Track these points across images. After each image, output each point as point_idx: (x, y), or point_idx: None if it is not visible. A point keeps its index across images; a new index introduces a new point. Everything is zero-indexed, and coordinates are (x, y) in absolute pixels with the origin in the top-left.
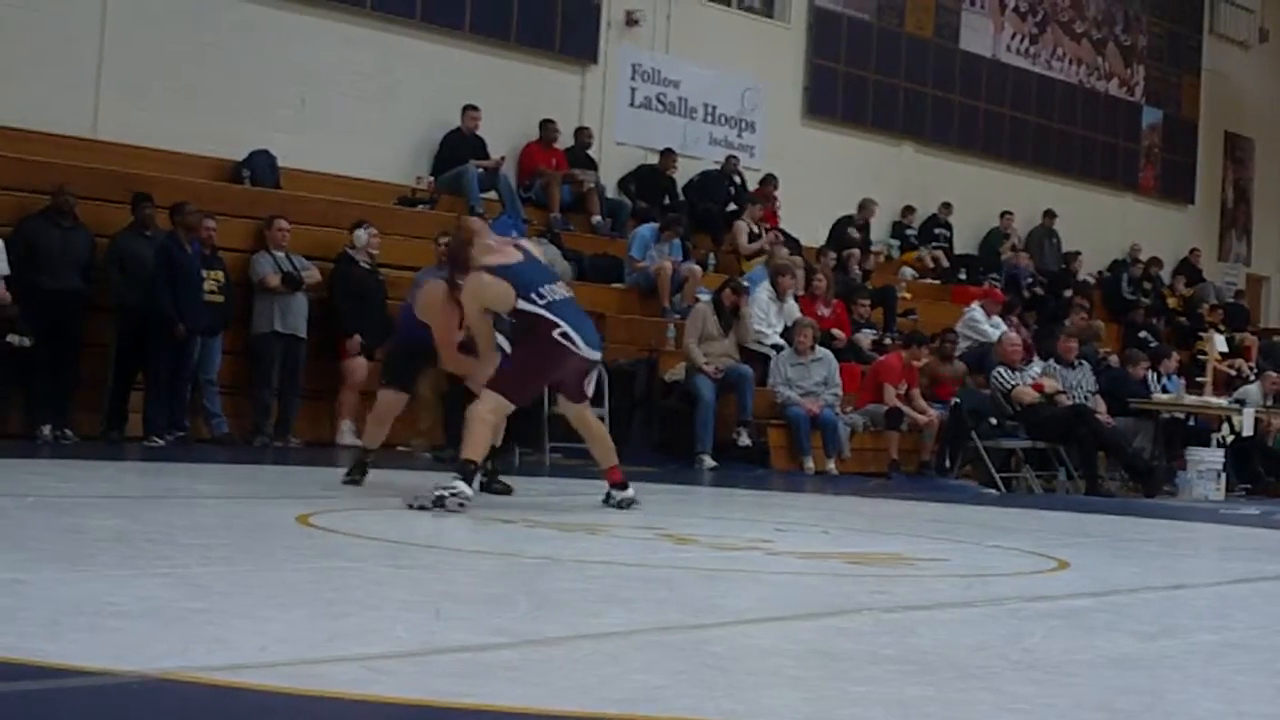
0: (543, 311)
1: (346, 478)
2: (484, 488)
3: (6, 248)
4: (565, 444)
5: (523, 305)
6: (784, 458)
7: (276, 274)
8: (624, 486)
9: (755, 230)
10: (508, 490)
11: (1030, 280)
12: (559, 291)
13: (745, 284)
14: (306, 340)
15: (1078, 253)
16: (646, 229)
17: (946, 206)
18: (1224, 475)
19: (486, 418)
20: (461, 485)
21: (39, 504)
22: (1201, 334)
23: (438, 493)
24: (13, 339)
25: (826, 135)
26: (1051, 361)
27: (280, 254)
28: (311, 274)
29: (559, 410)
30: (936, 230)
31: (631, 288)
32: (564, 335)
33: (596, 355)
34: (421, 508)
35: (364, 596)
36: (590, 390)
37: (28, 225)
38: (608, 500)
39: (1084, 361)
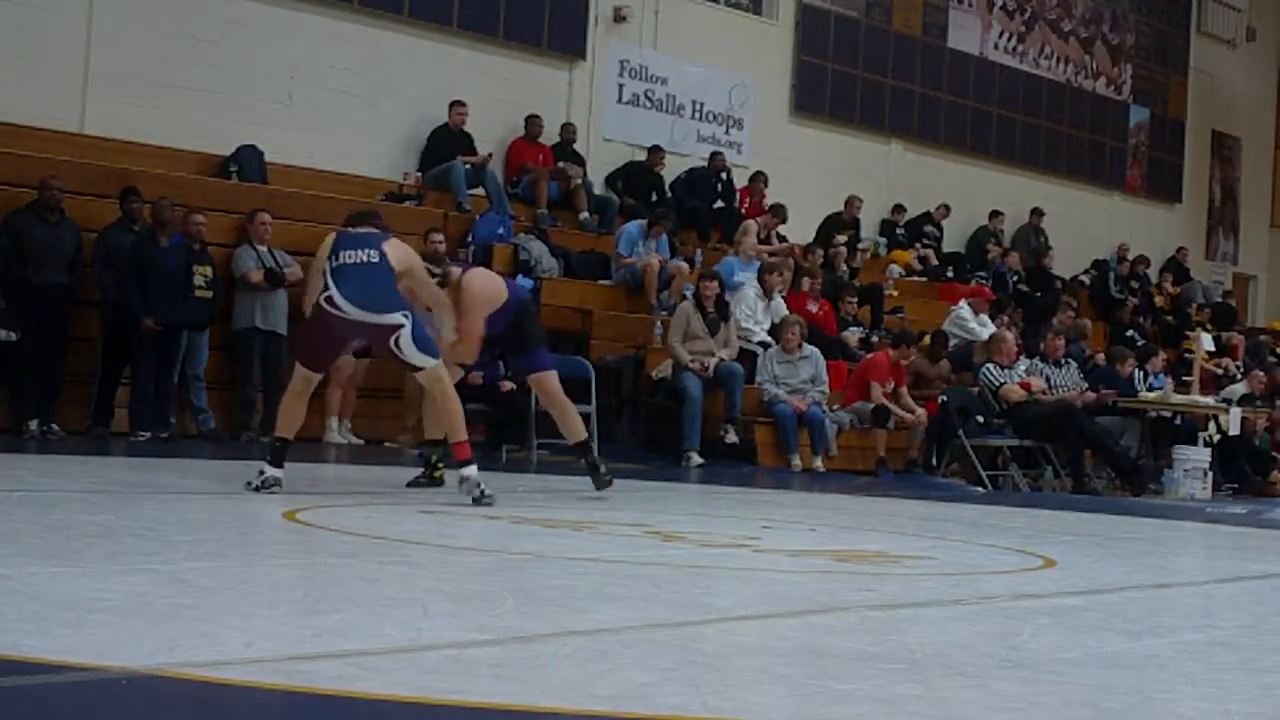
0: (328, 276)
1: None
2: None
3: None
4: (552, 440)
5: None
6: (771, 455)
7: (259, 269)
8: (467, 464)
9: (763, 236)
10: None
11: (1016, 279)
12: (356, 256)
13: (716, 270)
14: (287, 337)
15: (1049, 247)
16: (634, 226)
17: (944, 209)
18: (1210, 474)
19: (294, 386)
20: (269, 470)
21: (26, 499)
22: (1188, 333)
23: (256, 481)
24: None
25: (814, 133)
26: (1038, 360)
27: (263, 248)
28: (294, 270)
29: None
30: (926, 228)
31: (619, 285)
32: (328, 299)
33: (358, 314)
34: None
35: (350, 593)
36: (408, 356)
37: (14, 219)
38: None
39: (1071, 360)
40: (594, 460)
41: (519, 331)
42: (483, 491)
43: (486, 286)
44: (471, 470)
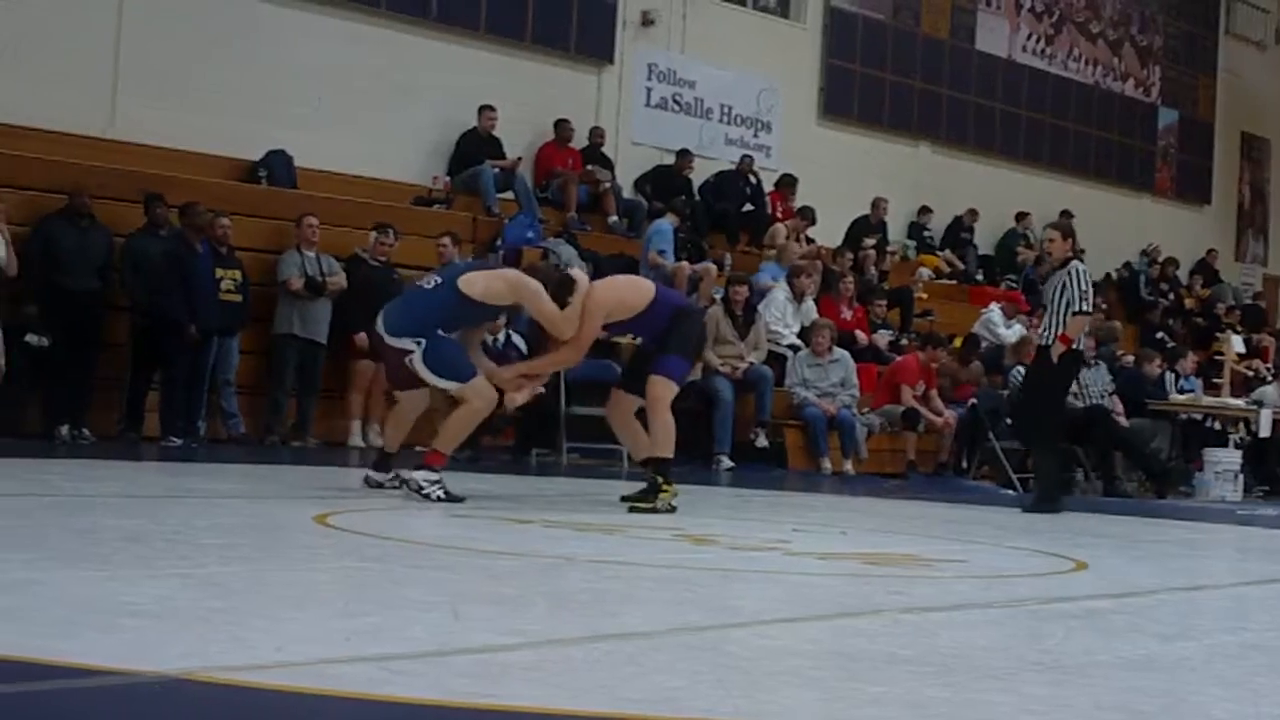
0: None
1: None
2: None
3: (25, 247)
4: (582, 444)
5: None
6: (801, 458)
7: (301, 277)
8: (423, 469)
9: (791, 240)
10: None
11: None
12: (423, 280)
13: (746, 277)
14: (326, 345)
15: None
16: (665, 223)
17: (973, 213)
18: (1241, 476)
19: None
20: (371, 473)
21: (56, 504)
22: (1218, 335)
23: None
24: (31, 339)
25: (842, 136)
26: None
27: (311, 254)
28: (337, 280)
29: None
30: (961, 234)
31: None
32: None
33: (381, 331)
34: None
35: (381, 596)
36: (423, 375)
37: (46, 225)
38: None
39: (1100, 362)
40: (655, 483)
41: (666, 335)
42: (426, 495)
43: (608, 294)
44: (420, 475)
